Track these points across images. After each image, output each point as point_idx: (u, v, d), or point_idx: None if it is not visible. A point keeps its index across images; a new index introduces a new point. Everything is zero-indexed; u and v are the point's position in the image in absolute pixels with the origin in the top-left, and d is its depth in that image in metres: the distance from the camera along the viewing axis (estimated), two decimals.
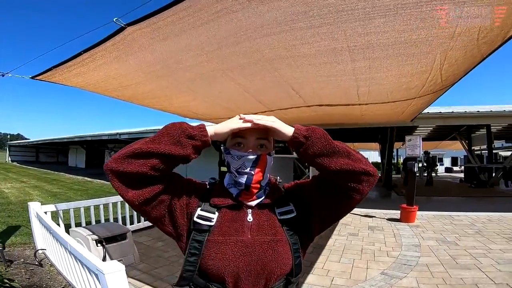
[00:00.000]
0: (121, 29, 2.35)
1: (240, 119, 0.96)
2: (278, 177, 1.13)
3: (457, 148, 16.69)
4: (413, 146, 6.30)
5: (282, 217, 1.00)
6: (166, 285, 3.14)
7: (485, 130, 12.42)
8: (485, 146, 13.25)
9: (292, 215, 1.01)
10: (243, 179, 0.97)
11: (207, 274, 0.95)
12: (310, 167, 8.87)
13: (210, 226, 0.96)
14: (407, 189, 6.60)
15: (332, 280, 3.33)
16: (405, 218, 6.10)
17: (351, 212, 7.11)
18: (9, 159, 32.34)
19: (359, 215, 6.94)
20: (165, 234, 1.03)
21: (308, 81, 3.45)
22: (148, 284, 3.16)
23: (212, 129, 0.95)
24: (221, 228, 0.96)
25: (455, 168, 27.90)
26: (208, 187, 1.07)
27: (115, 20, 2.34)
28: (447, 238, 4.89)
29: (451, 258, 3.92)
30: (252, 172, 0.97)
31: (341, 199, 0.95)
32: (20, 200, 8.22)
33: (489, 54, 2.45)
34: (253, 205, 1.00)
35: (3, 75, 3.83)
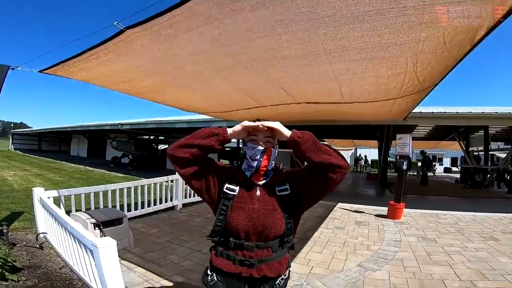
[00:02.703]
0: (121, 31, 2.59)
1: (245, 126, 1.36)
2: (282, 164, 1.56)
3: (457, 148, 16.81)
4: (403, 144, 6.38)
5: (279, 194, 1.41)
6: (157, 266, 3.38)
7: (483, 131, 12.56)
8: (482, 148, 13.37)
9: (287, 192, 1.42)
10: (254, 164, 1.39)
11: (228, 229, 1.39)
12: (305, 163, 9.15)
13: (234, 195, 1.40)
14: (395, 186, 6.72)
15: (311, 269, 3.53)
16: (392, 214, 6.25)
17: (342, 207, 7.35)
18: (12, 147, 32.71)
19: (349, 210, 7.13)
20: (203, 199, 1.49)
21: (294, 80, 3.69)
22: (140, 266, 3.38)
23: (230, 129, 1.37)
24: (239, 198, 1.40)
25: (454, 169, 27.77)
26: (233, 168, 1.50)
27: (116, 24, 2.58)
28: (428, 235, 5.01)
29: (426, 254, 4.05)
30: (261, 159, 1.39)
31: (321, 183, 1.33)
32: (23, 187, 8.47)
33: (463, 57, 2.65)
34: (261, 184, 1.43)
35: (13, 69, 4.04)
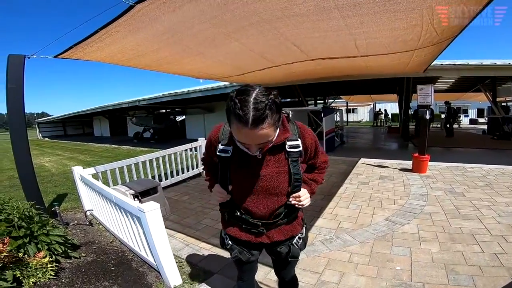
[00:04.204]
0: (131, 7, 2.60)
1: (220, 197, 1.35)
2: (291, 113, 1.33)
3: (483, 99, 15.98)
4: (425, 95, 6.13)
5: (290, 150, 1.25)
6: (194, 231, 3.65)
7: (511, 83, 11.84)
8: (510, 98, 12.61)
9: (299, 149, 1.27)
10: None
11: (233, 198, 1.32)
12: (324, 119, 9.09)
13: (228, 156, 1.26)
14: (419, 137, 6.58)
15: (339, 224, 3.64)
16: (417, 168, 6.17)
17: (365, 163, 7.39)
18: (40, 135, 34.30)
19: (372, 165, 7.12)
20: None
21: (307, 37, 3.64)
22: (179, 232, 3.65)
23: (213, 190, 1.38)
24: (237, 160, 1.26)
25: (480, 120, 26.51)
26: (224, 126, 1.33)
27: (124, 0, 2.56)
28: (456, 189, 4.89)
29: (454, 208, 4.00)
30: (260, 156, 1.22)
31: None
32: (60, 171, 9.03)
33: (481, 10, 2.48)
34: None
35: (28, 58, 4.12)
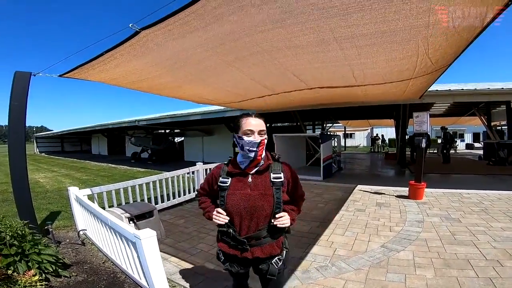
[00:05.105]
0: (136, 33, 2.72)
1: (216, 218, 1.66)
2: (278, 155, 1.76)
3: (479, 123, 16.21)
4: (421, 122, 6.21)
5: (273, 180, 1.63)
6: (189, 255, 3.59)
7: (505, 106, 12.06)
8: (505, 122, 12.85)
9: (281, 180, 1.65)
10: (252, 154, 1.61)
11: (228, 217, 1.62)
12: (321, 146, 9.16)
13: (227, 186, 1.64)
14: (415, 165, 6.61)
15: (334, 251, 3.60)
16: (413, 195, 6.19)
17: (361, 189, 7.39)
18: (37, 150, 34.13)
19: (369, 192, 7.12)
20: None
21: (306, 67, 3.77)
22: (174, 256, 3.59)
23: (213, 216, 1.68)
24: (233, 187, 1.64)
25: (476, 145, 26.75)
26: (224, 165, 1.74)
27: (131, 26, 2.70)
28: (452, 215, 4.91)
29: (450, 234, 4.01)
30: (257, 150, 1.61)
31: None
32: (55, 188, 8.94)
33: (475, 38, 2.62)
34: (251, 172, 1.65)
35: (34, 75, 4.23)
